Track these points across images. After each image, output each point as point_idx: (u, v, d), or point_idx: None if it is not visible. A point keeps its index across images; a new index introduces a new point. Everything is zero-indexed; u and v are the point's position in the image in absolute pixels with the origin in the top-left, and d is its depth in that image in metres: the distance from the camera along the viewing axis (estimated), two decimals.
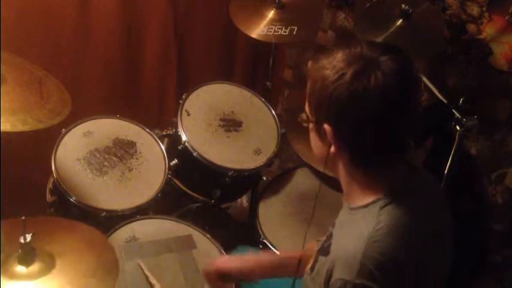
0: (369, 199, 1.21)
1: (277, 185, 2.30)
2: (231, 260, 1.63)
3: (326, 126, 1.17)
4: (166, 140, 2.23)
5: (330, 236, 1.32)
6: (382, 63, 1.12)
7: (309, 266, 1.35)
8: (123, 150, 2.06)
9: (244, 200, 2.67)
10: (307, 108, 1.24)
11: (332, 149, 1.19)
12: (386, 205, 1.18)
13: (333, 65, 1.14)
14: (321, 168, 1.31)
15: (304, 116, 1.26)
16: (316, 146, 1.26)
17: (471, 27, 2.36)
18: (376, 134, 1.14)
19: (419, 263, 1.18)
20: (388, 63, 1.12)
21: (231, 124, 2.23)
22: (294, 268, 1.41)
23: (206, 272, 1.62)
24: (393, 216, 1.17)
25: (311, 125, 1.24)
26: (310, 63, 1.21)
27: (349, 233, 1.22)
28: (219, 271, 1.58)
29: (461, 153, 1.92)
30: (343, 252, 1.18)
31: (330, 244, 1.27)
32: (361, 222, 1.20)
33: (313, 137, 1.26)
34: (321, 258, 1.27)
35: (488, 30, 2.32)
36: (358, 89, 1.10)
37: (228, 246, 1.86)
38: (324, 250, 1.28)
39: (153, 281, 1.66)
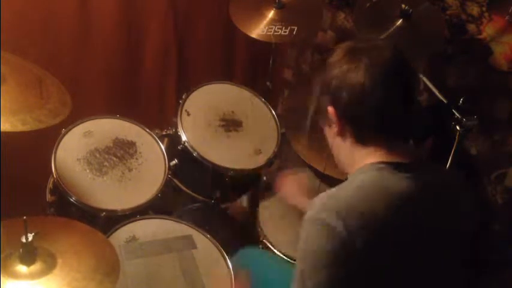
0: (361, 165, 1.29)
1: None
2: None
3: (329, 108, 1.29)
4: (166, 140, 2.23)
5: None
6: (373, 49, 1.27)
7: None
8: (123, 150, 2.06)
9: (244, 200, 2.67)
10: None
11: (336, 129, 1.29)
12: (368, 170, 1.25)
13: (332, 56, 1.31)
14: (321, 168, 1.34)
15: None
16: (329, 135, 1.36)
17: (471, 27, 2.36)
18: (371, 109, 1.25)
19: (386, 233, 1.19)
20: (379, 49, 1.27)
21: (231, 124, 2.23)
22: None
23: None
24: (370, 178, 1.24)
25: (323, 117, 1.34)
26: None
27: None
28: None
29: (461, 153, 1.92)
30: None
31: None
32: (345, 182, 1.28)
33: (326, 128, 1.36)
34: None
35: (488, 30, 2.32)
36: (349, 69, 1.25)
37: (228, 246, 1.86)
38: None
39: None
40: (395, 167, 1.24)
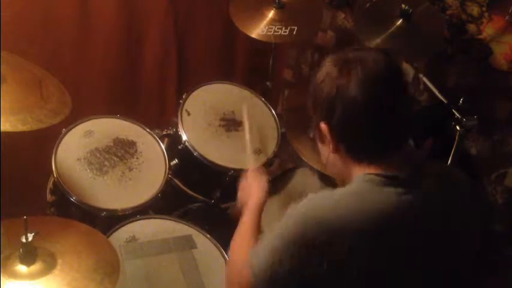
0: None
1: (277, 185, 2.30)
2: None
3: (322, 125, 1.25)
4: (166, 139, 2.23)
5: None
6: (363, 60, 1.22)
7: None
8: (124, 149, 2.06)
9: None
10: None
11: (330, 146, 1.26)
12: (357, 181, 1.23)
13: (322, 69, 1.27)
14: (321, 168, 1.33)
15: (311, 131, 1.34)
16: (323, 151, 1.33)
17: (471, 27, 2.36)
18: (364, 124, 1.22)
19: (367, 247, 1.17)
20: (370, 60, 1.22)
21: (231, 124, 2.23)
22: None
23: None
24: (363, 187, 1.22)
25: (316, 133, 1.31)
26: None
27: None
28: None
29: (461, 153, 1.92)
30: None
31: None
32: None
33: (319, 144, 1.33)
34: None
35: (488, 30, 2.32)
36: (342, 83, 1.21)
37: (228, 246, 1.86)
38: None
39: None
40: (386, 179, 1.21)
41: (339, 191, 1.23)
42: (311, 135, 1.35)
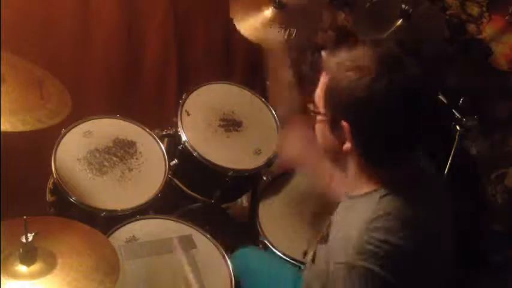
0: (368, 189, 1.23)
1: (277, 185, 2.29)
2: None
3: (344, 124, 1.17)
4: (166, 140, 2.23)
5: (329, 224, 1.33)
6: (405, 65, 1.14)
7: (310, 257, 1.35)
8: (123, 150, 2.05)
9: (244, 200, 2.66)
10: (318, 100, 1.23)
11: (347, 145, 1.20)
12: (385, 195, 1.19)
13: (354, 63, 1.15)
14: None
15: (312, 107, 1.26)
16: (325, 138, 1.26)
17: (471, 27, 2.36)
18: (391, 134, 1.16)
19: (417, 253, 1.19)
20: (411, 66, 1.14)
21: (231, 124, 2.23)
22: None
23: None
24: (392, 206, 1.18)
25: (320, 117, 1.25)
26: (326, 54, 1.21)
27: (347, 219, 1.24)
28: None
29: (461, 153, 1.93)
30: (341, 235, 1.19)
31: (329, 232, 1.28)
32: (360, 209, 1.21)
33: (321, 128, 1.26)
34: (320, 247, 1.29)
35: (488, 30, 2.32)
36: (380, 90, 1.12)
37: (228, 246, 1.86)
38: (323, 239, 1.30)
39: None
40: (401, 190, 1.20)
41: (362, 222, 1.17)
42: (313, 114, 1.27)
